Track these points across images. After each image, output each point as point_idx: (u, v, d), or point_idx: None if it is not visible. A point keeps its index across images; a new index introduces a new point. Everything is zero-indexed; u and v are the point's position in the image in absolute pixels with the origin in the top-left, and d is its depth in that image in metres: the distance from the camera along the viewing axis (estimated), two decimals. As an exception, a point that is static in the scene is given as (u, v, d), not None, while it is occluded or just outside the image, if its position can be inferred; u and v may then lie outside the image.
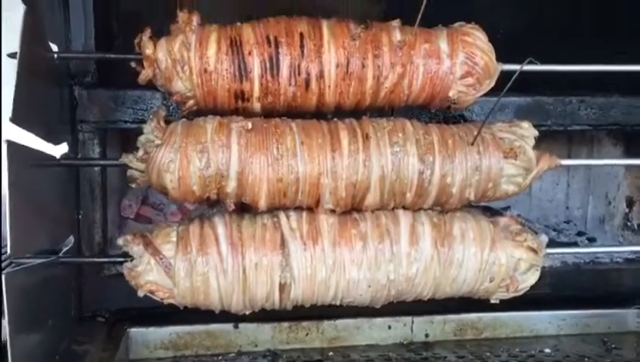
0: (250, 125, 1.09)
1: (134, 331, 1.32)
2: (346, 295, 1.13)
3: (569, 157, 1.72)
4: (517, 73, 1.11)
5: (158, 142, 1.06)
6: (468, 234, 1.15)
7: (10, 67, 0.85)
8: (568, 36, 1.62)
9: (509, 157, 1.14)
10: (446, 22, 1.23)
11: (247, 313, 1.14)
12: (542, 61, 1.18)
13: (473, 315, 1.43)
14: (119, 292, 1.26)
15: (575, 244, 1.61)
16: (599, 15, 1.56)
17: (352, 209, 1.15)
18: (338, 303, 1.16)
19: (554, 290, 1.44)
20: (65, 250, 1.11)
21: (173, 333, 1.34)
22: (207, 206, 1.21)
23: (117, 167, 1.14)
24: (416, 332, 1.41)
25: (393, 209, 1.16)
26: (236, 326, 1.35)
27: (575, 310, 1.46)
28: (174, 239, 1.08)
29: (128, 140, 1.28)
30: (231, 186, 1.08)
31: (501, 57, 1.19)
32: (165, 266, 1.06)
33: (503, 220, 1.20)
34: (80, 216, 1.27)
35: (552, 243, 1.58)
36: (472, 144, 1.14)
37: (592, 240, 1.66)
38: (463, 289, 1.17)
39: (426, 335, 1.42)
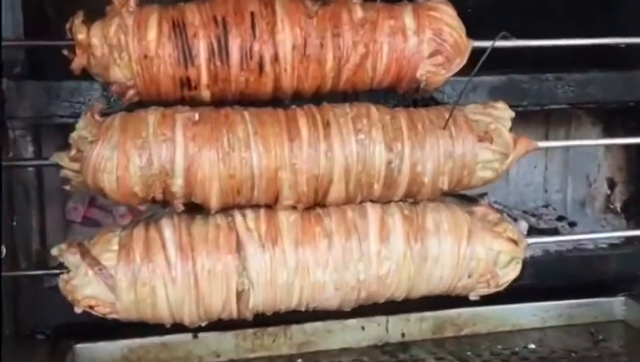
0: (197, 116, 0.97)
1: (81, 347, 1.20)
2: (312, 300, 1.03)
3: (546, 138, 1.63)
4: (490, 49, 1.02)
5: (92, 138, 0.94)
6: (442, 227, 1.05)
7: None
8: (539, 12, 1.52)
9: (484, 141, 1.04)
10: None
11: (203, 325, 1.03)
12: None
13: (452, 311, 1.33)
14: (62, 305, 1.14)
15: (556, 231, 1.52)
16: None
17: (314, 204, 1.04)
18: (303, 309, 1.06)
19: (536, 280, 1.35)
20: (-5, 262, 0.99)
21: (125, 347, 1.22)
22: (160, 206, 1.10)
23: (49, 166, 1.02)
24: (392, 332, 1.32)
25: (360, 202, 1.06)
26: (195, 336, 1.24)
27: (559, 300, 1.38)
28: (115, 247, 0.97)
29: (67, 137, 1.15)
30: (177, 185, 0.97)
31: (471, 34, 1.10)
32: (105, 277, 0.94)
33: (479, 209, 1.11)
34: (15, 223, 1.14)
35: (531, 231, 1.51)
36: (444, 128, 1.04)
37: (572, 225, 1.58)
38: (440, 287, 1.07)
39: (403, 335, 1.32)
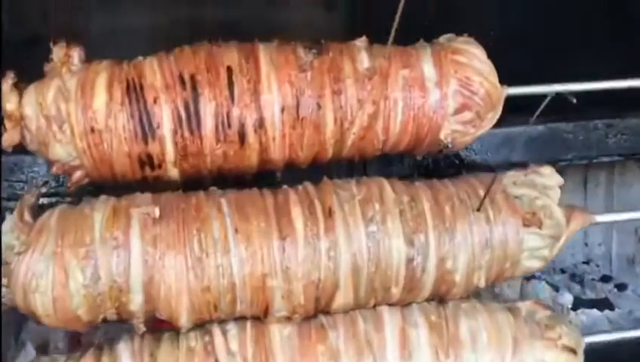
0: (157, 212, 0.74)
1: None
2: None
3: (585, 183, 1.40)
4: (548, 100, 0.79)
5: (19, 248, 0.71)
6: (480, 337, 0.82)
7: None
8: (569, 32, 1.29)
9: (531, 225, 0.82)
10: (425, 30, 0.91)
11: None
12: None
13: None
14: None
15: (607, 302, 1.28)
16: (613, 18, 1.25)
17: (316, 312, 0.81)
18: None
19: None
20: None
21: None
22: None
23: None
24: None
25: (374, 306, 0.83)
26: None
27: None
28: (56, 387, 0.74)
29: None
30: (136, 302, 0.74)
31: (494, 58, 0.88)
32: None
33: (524, 306, 0.88)
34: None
35: (578, 303, 1.27)
36: (479, 209, 0.81)
37: (622, 288, 1.34)
38: (478, 411, 0.84)
39: None
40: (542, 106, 0.79)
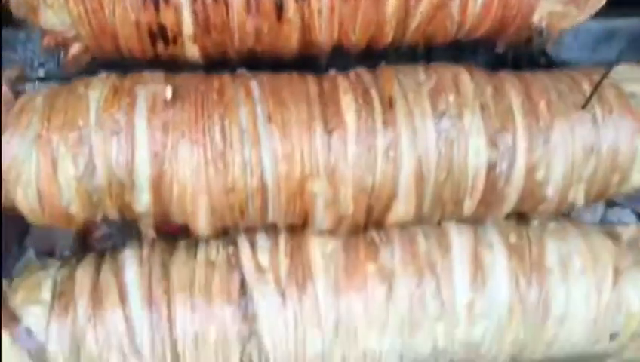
0: (169, 91, 0.58)
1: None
2: (361, 376, 0.66)
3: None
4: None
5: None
6: (572, 263, 0.65)
7: None
8: None
9: (651, 127, 0.63)
10: None
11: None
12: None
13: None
14: None
15: None
16: None
17: (366, 224, 0.66)
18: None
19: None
20: None
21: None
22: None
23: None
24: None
25: (439, 222, 0.67)
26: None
27: None
28: (47, 295, 0.61)
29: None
30: (142, 202, 0.59)
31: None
32: (31, 346, 0.59)
33: (627, 231, 0.70)
34: None
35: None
36: (584, 107, 0.63)
37: None
38: (565, 353, 0.68)
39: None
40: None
